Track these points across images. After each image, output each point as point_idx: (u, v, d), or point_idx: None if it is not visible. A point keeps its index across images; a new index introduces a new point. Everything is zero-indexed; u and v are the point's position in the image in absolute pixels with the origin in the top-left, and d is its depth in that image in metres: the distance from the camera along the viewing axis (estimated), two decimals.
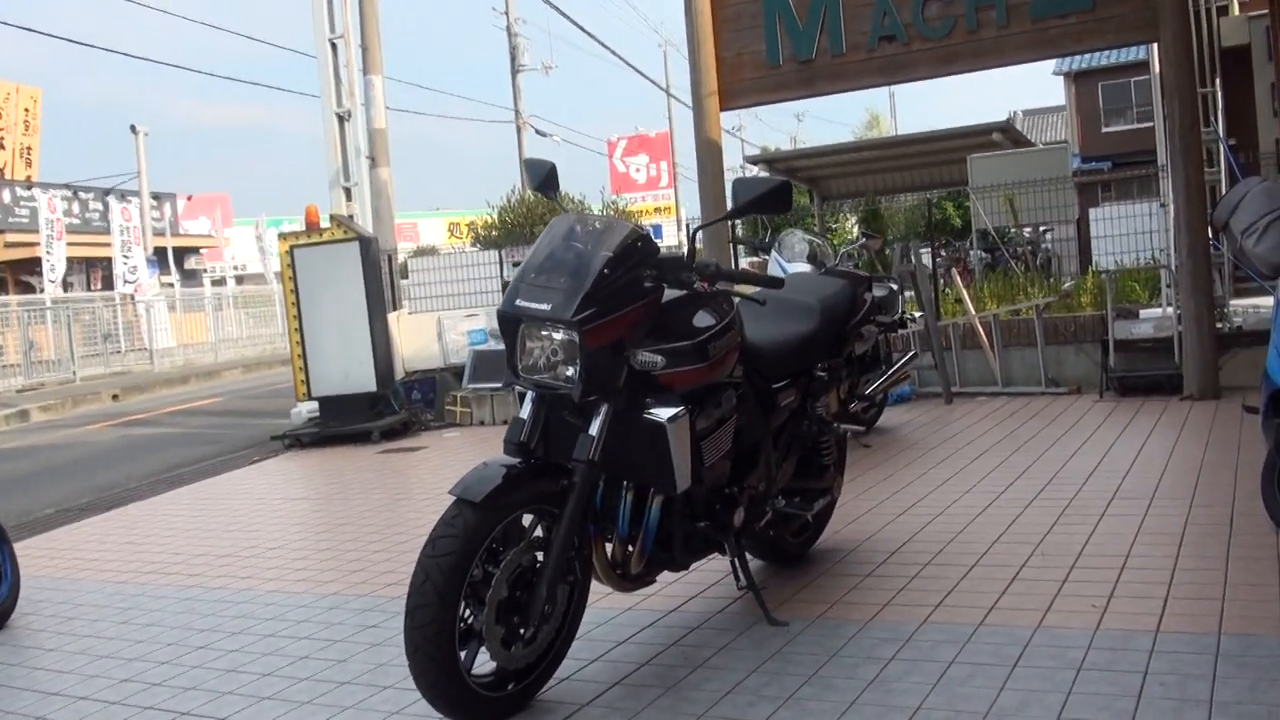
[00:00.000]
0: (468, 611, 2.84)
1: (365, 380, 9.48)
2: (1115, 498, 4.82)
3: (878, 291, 6.37)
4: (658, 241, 3.17)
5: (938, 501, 5.12)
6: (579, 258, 2.94)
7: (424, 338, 10.37)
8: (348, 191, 11.43)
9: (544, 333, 2.93)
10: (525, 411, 3.06)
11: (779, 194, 3.08)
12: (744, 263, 15.34)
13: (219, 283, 34.52)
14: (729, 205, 3.22)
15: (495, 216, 16.03)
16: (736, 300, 3.44)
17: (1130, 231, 9.36)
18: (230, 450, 9.98)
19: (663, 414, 3.01)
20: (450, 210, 42.27)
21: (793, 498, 3.96)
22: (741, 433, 3.47)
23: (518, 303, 2.93)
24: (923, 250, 11.66)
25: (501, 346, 3.02)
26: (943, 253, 17.31)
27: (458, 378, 10.00)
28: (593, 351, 2.87)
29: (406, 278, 12.01)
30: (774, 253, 7.31)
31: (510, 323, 2.97)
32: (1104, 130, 30.08)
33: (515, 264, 11.33)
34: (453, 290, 11.14)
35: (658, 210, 35.28)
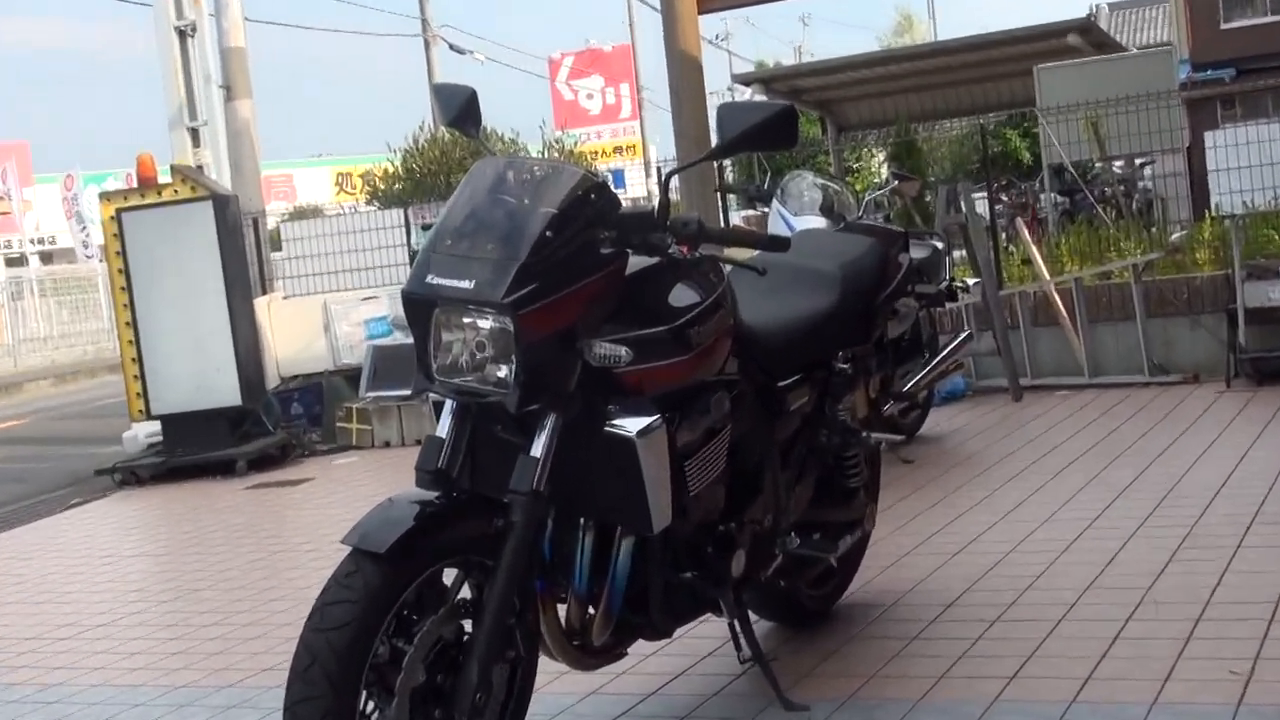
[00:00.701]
0: (370, 704, 2.85)
1: (225, 391, 9.53)
2: (1254, 523, 4.87)
3: (916, 252, 6.43)
4: (618, 192, 3.27)
5: (1006, 534, 5.18)
6: (511, 217, 3.00)
7: (305, 331, 10.41)
8: (194, 134, 11.40)
9: (466, 320, 2.98)
10: (444, 428, 3.11)
11: (780, 123, 3.14)
12: (736, 218, 15.33)
13: (16, 262, 34.27)
14: (713, 141, 3.32)
15: (398, 163, 15.70)
16: (727, 269, 3.52)
17: (1263, 162, 9.13)
18: (39, 491, 10.02)
19: (631, 425, 3.07)
20: (338, 157, 42.15)
21: (810, 534, 4.02)
22: (739, 448, 3.54)
23: (430, 280, 2.98)
24: (976, 195, 11.70)
25: (410, 340, 3.10)
26: (1004, 197, 17.46)
27: (352, 383, 10.04)
28: (533, 343, 2.93)
29: (280, 249, 12.00)
30: (776, 203, 7.40)
31: (421, 308, 3.03)
32: (1223, 27, 29.94)
33: (426, 227, 11.20)
34: (343, 265, 11.07)
35: (618, 150, 35.41)
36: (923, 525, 5.47)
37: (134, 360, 9.72)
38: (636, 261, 3.20)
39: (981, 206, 11.99)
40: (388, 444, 9.62)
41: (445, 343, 3.03)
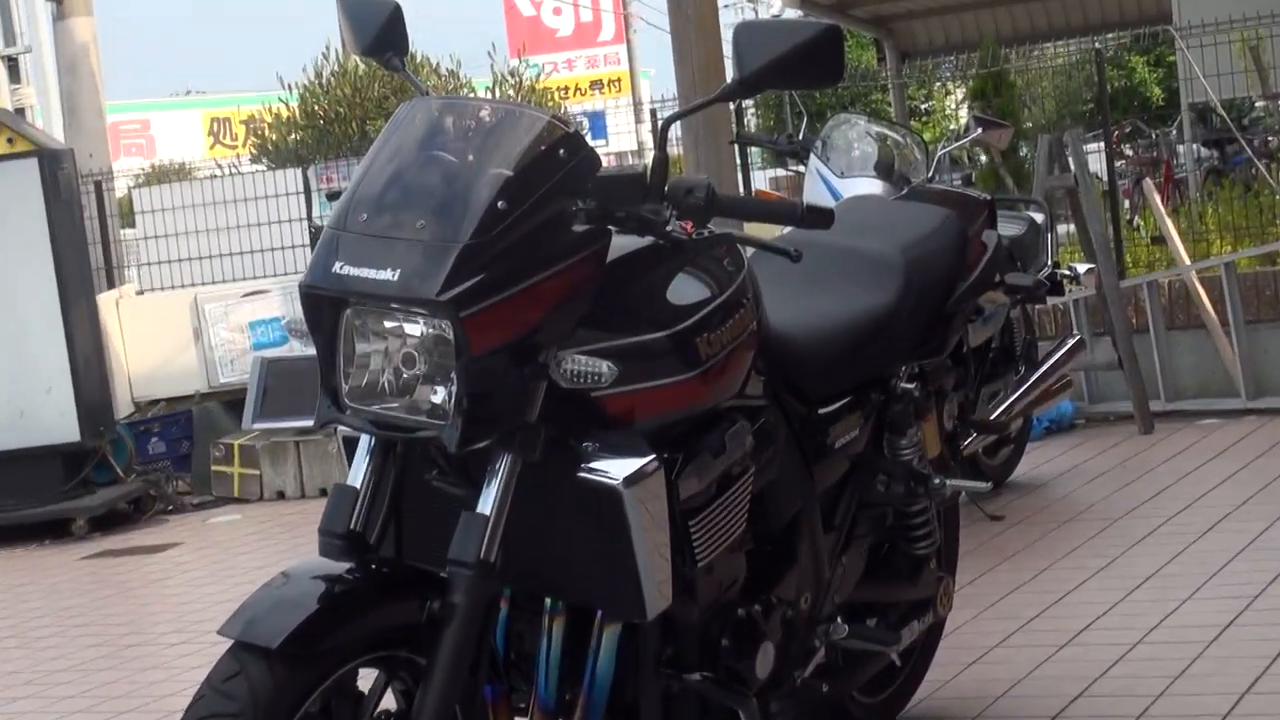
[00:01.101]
0: None
1: (57, 422, 9.41)
2: None
3: (1008, 229, 6.44)
4: (598, 146, 3.36)
5: (1132, 619, 5.15)
6: (450, 181, 3.07)
7: (168, 338, 10.41)
8: (12, 65, 11.43)
9: (389, 324, 3.04)
10: (358, 474, 3.16)
11: (820, 49, 3.19)
12: (760, 180, 15.49)
13: None
14: (729, 74, 3.31)
15: (294, 106, 15.94)
16: (748, 254, 3.57)
17: None
18: None
19: (616, 470, 3.11)
20: (212, 96, 41.71)
21: (863, 620, 4.06)
22: (765, 501, 3.59)
23: (339, 269, 3.03)
24: (1090, 148, 11.75)
25: (312, 351, 3.19)
26: (1128, 150, 17.48)
27: (233, 411, 10.04)
28: (481, 357, 2.97)
29: (133, 225, 12.22)
30: (815, 161, 7.42)
31: (326, 308, 3.08)
32: None
33: (333, 195, 11.22)
34: (221, 247, 11.12)
35: (597, 86, 35.18)
36: (1017, 606, 5.45)
37: None
38: (622, 243, 3.24)
39: (1097, 163, 12.09)
40: (282, 495, 9.59)
41: (360, 356, 3.07)
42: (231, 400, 10.15)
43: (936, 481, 4.10)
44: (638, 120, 21.33)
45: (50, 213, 9.38)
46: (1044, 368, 6.82)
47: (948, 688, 4.66)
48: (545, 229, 3.05)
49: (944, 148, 8.30)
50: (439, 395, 3.00)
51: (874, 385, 4.03)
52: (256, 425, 9.67)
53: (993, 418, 6.29)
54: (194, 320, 10.40)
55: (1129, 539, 6.20)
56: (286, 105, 16.07)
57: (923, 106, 26.94)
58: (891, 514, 4.13)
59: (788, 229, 3.70)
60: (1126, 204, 15.02)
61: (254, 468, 9.69)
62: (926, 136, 11.34)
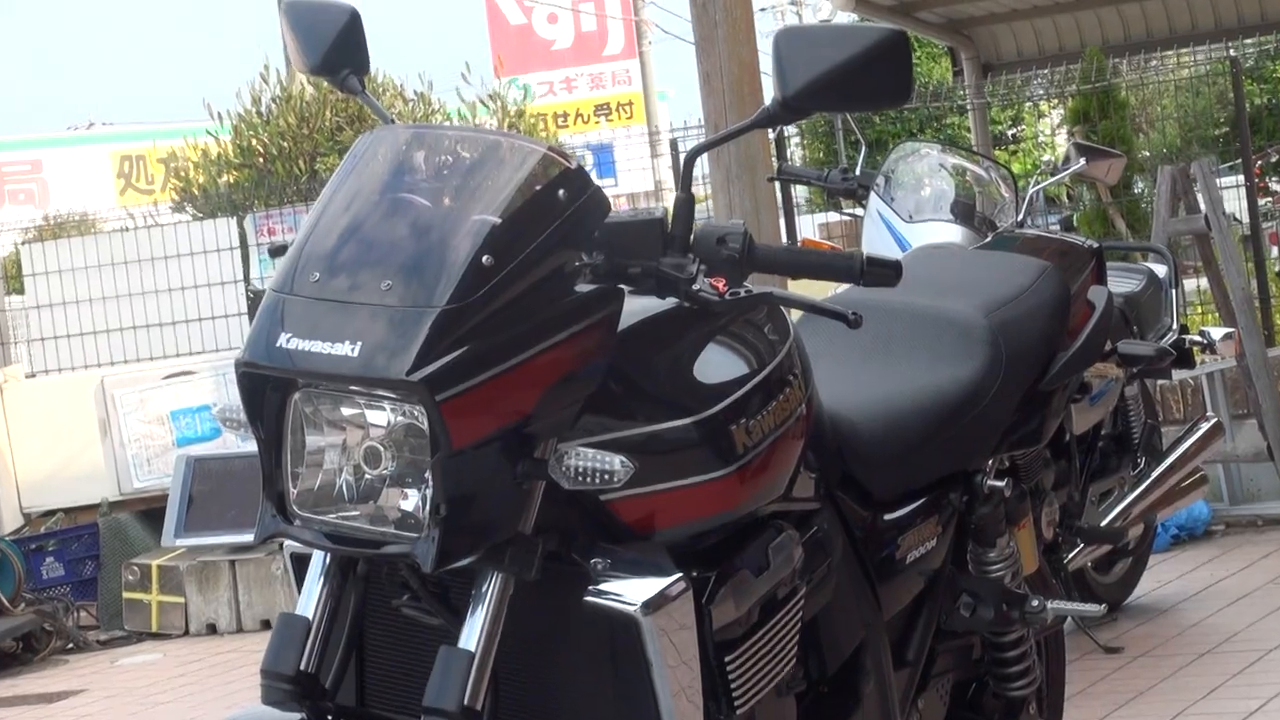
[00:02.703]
0: None
1: None
2: None
3: (1121, 284, 6.51)
4: (605, 186, 3.36)
5: None
6: (424, 231, 3.10)
7: (69, 432, 10.50)
8: None
9: (348, 411, 3.07)
10: (310, 601, 3.20)
11: (882, 62, 3.23)
12: (807, 227, 15.70)
13: None
14: (767, 96, 3.45)
15: (226, 140, 15.89)
16: (794, 318, 3.62)
17: None
18: None
19: (632, 593, 3.14)
20: (123, 129, 41.66)
21: None
22: (820, 631, 3.62)
23: (285, 343, 3.04)
24: (1223, 182, 11.79)
25: (251, 445, 3.27)
26: (1274, 185, 17.45)
27: (151, 522, 10.08)
28: (464, 451, 2.99)
29: (21, 291, 12.46)
30: (876, 201, 7.47)
31: (270, 391, 3.11)
32: None
33: (277, 251, 10.64)
34: (134, 318, 11.25)
35: (603, 111, 35.05)
36: None
37: None
38: (638, 307, 3.27)
39: (1234, 201, 12.15)
40: (213, 629, 9.63)
41: (312, 452, 3.09)
42: (148, 510, 10.15)
43: (1035, 604, 4.10)
44: (654, 154, 21.02)
45: None
46: (1170, 460, 6.83)
47: None
48: (542, 290, 3.07)
49: (1038, 184, 8.32)
50: (411, 501, 3.03)
51: (954, 483, 4.07)
52: (180, 541, 9.70)
53: (1105, 524, 6.26)
54: (101, 410, 10.39)
55: None
56: (216, 139, 16.01)
57: (1009, 132, 26.97)
58: (979, 646, 4.16)
59: (843, 287, 3.77)
60: (1275, 251, 15.00)
61: (177, 595, 9.70)
62: (1015, 169, 11.24)
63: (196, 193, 16.08)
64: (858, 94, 3.27)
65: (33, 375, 11.22)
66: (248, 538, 9.04)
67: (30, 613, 9.67)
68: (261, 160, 15.25)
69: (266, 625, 9.03)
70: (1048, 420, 4.29)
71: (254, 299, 10.83)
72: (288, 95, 15.61)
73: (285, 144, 15.03)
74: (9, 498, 10.41)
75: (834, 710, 3.66)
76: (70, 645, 9.72)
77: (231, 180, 15.51)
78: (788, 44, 3.21)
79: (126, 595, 9.82)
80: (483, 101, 16.93)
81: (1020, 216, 7.38)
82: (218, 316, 11.05)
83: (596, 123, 33.76)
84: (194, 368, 10.55)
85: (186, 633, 9.68)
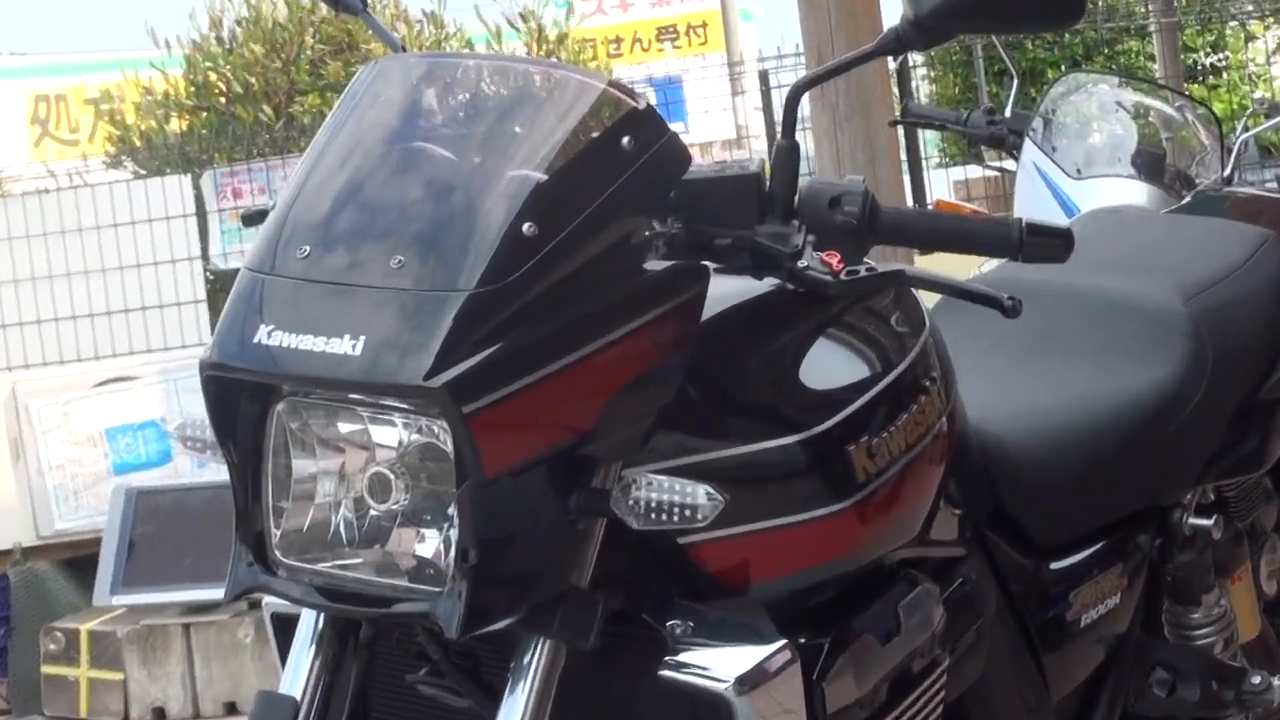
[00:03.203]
0: None
1: None
2: None
3: None
4: (678, 130, 3.25)
5: None
6: (446, 191, 2.89)
7: None
8: None
9: (347, 428, 2.86)
10: (298, 675, 3.00)
11: None
12: (941, 186, 14.75)
13: None
14: (886, 19, 2.99)
15: (176, 76, 15.12)
16: (928, 305, 3.39)
17: None
18: None
19: (722, 665, 2.91)
20: (39, 60, 39.97)
21: None
22: (970, 714, 3.47)
23: (265, 339, 2.80)
24: None
25: (213, 474, 3.05)
26: None
27: (79, 574, 9.59)
28: (501, 479, 2.75)
29: None
30: (1032, 150, 7.02)
31: (245, 400, 2.89)
32: None
33: (250, 219, 10.72)
34: (57, 307, 10.96)
35: (668, 35, 33.10)
36: None
37: None
38: (727, 291, 3.03)
39: None
40: (161, 714, 9.06)
41: (299, 480, 2.87)
42: (75, 559, 9.57)
43: (1256, 681, 3.95)
44: (736, 90, 19.27)
45: None
46: None
47: None
48: (601, 267, 2.83)
49: (1248, 129, 7.69)
50: (430, 545, 2.82)
51: (1144, 522, 3.87)
52: (118, 599, 9.08)
53: None
54: (12, 426, 9.70)
55: None
56: (163, 74, 15.21)
57: (1207, 61, 25.44)
58: None
59: (991, 263, 3.62)
60: None
61: (114, 670, 9.08)
62: (1217, 110, 10.58)
63: (137, 143, 15.19)
64: (1013, 11, 3.11)
65: None
66: (210, 594, 8.58)
67: None
68: (223, 100, 14.51)
69: (232, 710, 8.76)
70: (1270, 439, 4.08)
71: (215, 282, 10.52)
72: (256, 16, 14.72)
73: (253, 80, 14.30)
74: None
75: None
76: None
77: (184, 127, 14.76)
78: None
79: (46, 670, 9.15)
80: (511, 23, 16.14)
81: (1228, 171, 6.89)
82: (167, 305, 10.47)
83: (660, 50, 30.96)
84: (136, 372, 9.89)
85: (124, 713, 9.04)
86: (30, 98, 33.11)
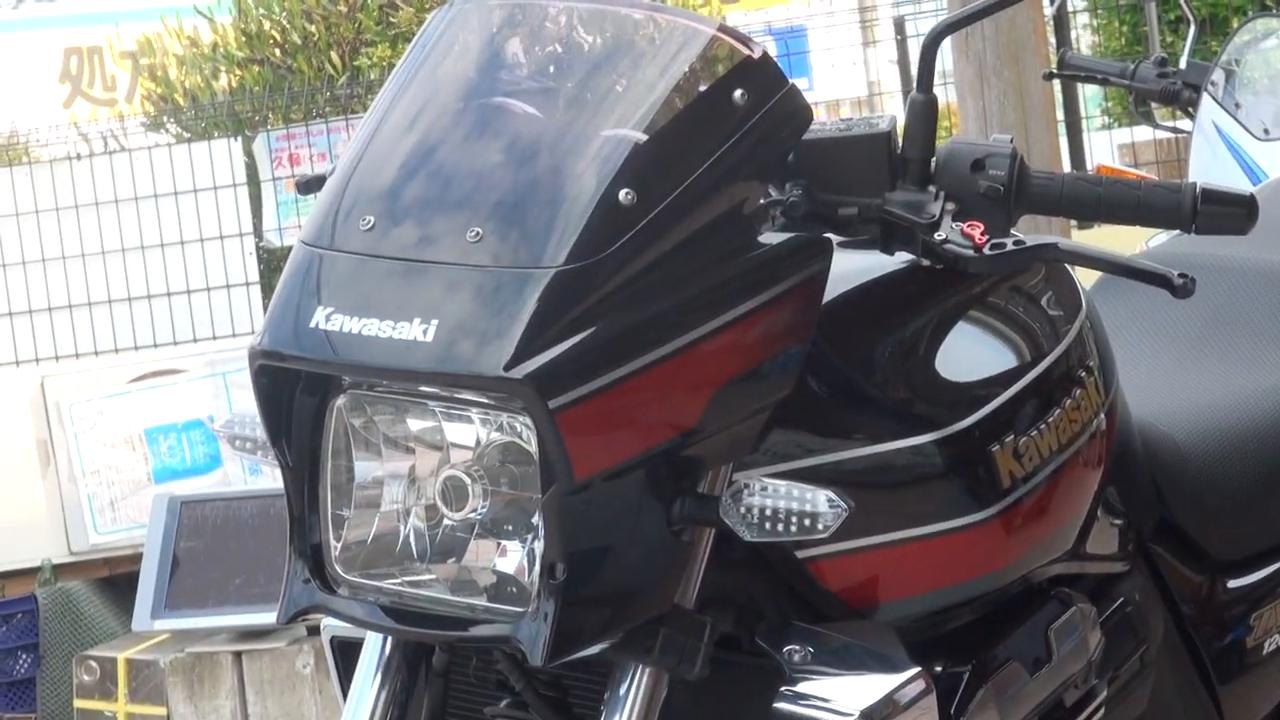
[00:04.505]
0: None
1: None
2: None
3: None
4: (800, 85, 2.97)
5: None
6: (530, 155, 2.63)
7: None
8: None
9: (418, 425, 2.67)
10: (361, 707, 2.84)
11: None
12: (1103, 149, 14.18)
13: None
14: None
15: (225, 26, 14.23)
16: (1085, 289, 3.13)
17: None
18: None
19: (846, 697, 2.72)
20: (67, 11, 38.46)
21: None
22: None
23: (324, 323, 2.57)
24: None
25: (267, 481, 3.22)
26: None
27: (116, 596, 9.22)
28: (592, 484, 2.55)
29: None
30: (1210, 107, 6.64)
31: (301, 394, 2.68)
32: None
33: (306, 186, 10.20)
34: (91, 291, 10.37)
35: None
36: None
37: None
38: (853, 268, 2.84)
39: None
40: None
41: (362, 485, 2.67)
42: (112, 577, 9.15)
43: None
44: (866, 40, 17.82)
45: None
46: None
47: None
48: (709, 241, 2.62)
49: None
50: (512, 560, 2.64)
51: None
52: (160, 624, 8.52)
53: None
54: (40, 427, 9.20)
55: None
56: (211, 22, 14.30)
57: None
58: None
59: (1160, 235, 3.44)
60: None
61: (156, 704, 8.62)
62: None
63: (181, 101, 14.20)
64: None
65: None
66: (264, 617, 7.93)
67: None
68: (279, 53, 13.49)
69: None
70: None
71: (269, 260, 9.73)
72: None
73: (312, 29, 13.27)
74: None
75: None
76: None
77: (234, 83, 13.75)
78: None
79: (79, 704, 8.66)
80: None
81: None
82: (215, 288, 9.70)
83: None
84: (180, 364, 9.38)
85: None
86: (61, 51, 30.71)
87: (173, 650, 8.17)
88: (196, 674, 8.15)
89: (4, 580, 8.73)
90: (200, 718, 8.07)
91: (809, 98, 2.81)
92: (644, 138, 2.57)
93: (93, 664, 8.24)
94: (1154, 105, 7.33)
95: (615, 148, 2.58)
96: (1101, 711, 3.02)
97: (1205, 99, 6.52)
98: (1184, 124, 7.05)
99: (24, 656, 8.53)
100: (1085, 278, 3.19)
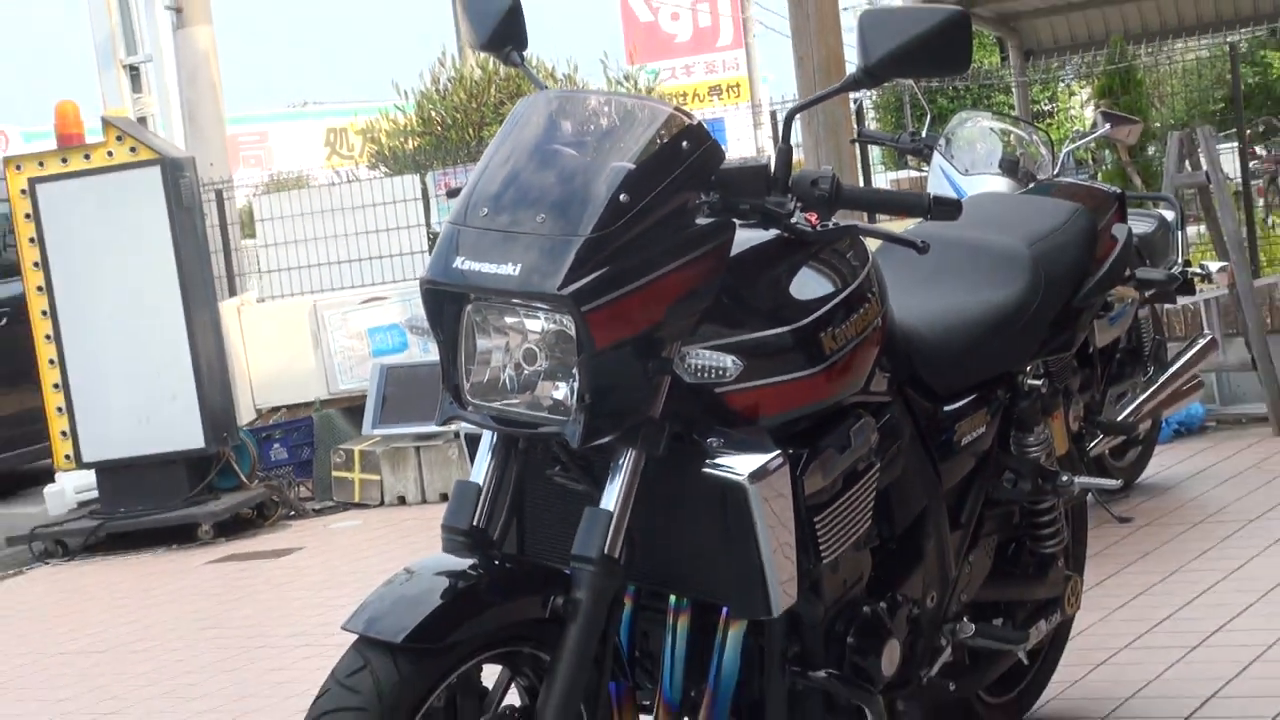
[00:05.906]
0: None
1: (182, 430, 9.41)
2: None
3: (1137, 226, 6.39)
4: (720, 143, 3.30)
5: (1269, 619, 5.14)
6: (570, 176, 3.07)
7: (289, 345, 10.55)
8: (134, 73, 11.60)
9: (509, 320, 3.06)
10: (480, 471, 3.20)
11: (946, 38, 3.18)
12: (881, 184, 15.24)
13: None
14: (849, 67, 3.36)
15: (411, 113, 16.04)
16: (873, 247, 3.59)
17: None
18: None
19: (740, 465, 3.12)
20: (329, 107, 41.57)
21: (990, 619, 4.05)
22: (890, 499, 3.60)
23: (459, 265, 3.05)
24: (1222, 145, 11.55)
25: (431, 354, 3.16)
26: (1260, 150, 17.15)
27: (353, 417, 10.13)
28: (604, 352, 2.98)
29: (253, 234, 12.38)
30: (939, 158, 7.41)
31: (447, 303, 3.12)
32: None
33: (452, 194, 10.63)
34: (339, 254, 11.32)
35: (716, 92, 34.61)
36: (1147, 608, 5.42)
37: (56, 388, 9.55)
38: (745, 237, 3.24)
39: (1230, 161, 11.94)
40: (402, 500, 9.63)
41: (481, 352, 3.10)
42: (351, 407, 10.23)
43: (1064, 479, 4.08)
44: (756, 124, 20.93)
45: (173, 221, 9.31)
46: (1174, 368, 6.78)
47: (1076, 688, 4.65)
48: (668, 222, 3.04)
49: (1069, 145, 8.20)
50: (561, 391, 3.02)
51: (1000, 382, 4.01)
52: (377, 431, 9.70)
53: (1120, 418, 6.22)
54: (313, 327, 10.49)
55: (1263, 541, 6.14)
56: (404, 113, 16.21)
57: (1046, 107, 26.73)
58: (1018, 512, 4.12)
59: (913, 222, 3.70)
60: (1261, 202, 14.78)
61: (375, 473, 9.75)
62: (1051, 135, 11.23)
63: (388, 155, 16.23)
64: (928, 63, 3.23)
65: (262, 300, 11.31)
66: (429, 428, 9.16)
67: (262, 487, 9.78)
68: (439, 129, 15.43)
69: (444, 498, 8.95)
70: (1077, 332, 4.25)
71: (433, 239, 10.84)
72: (460, 76, 15.68)
73: (458, 116, 15.20)
74: (245, 397, 10.49)
75: (901, 563, 3.65)
76: (292, 513, 9.81)
77: (415, 145, 15.63)
78: (870, 23, 3.19)
79: (335, 474, 9.90)
80: (619, 83, 17.07)
81: (1055, 171, 7.34)
82: (404, 254, 11.11)
83: (710, 101, 33.39)
84: (386, 294, 10.60)
85: (381, 503, 9.70)
86: (325, 129, 38.92)
87: (384, 445, 9.65)
88: (396, 457, 9.56)
89: (296, 408, 10.19)
90: (398, 481, 9.43)
91: (728, 152, 3.10)
92: (633, 167, 3.00)
93: (342, 452, 9.71)
94: (909, 158, 8.45)
95: (618, 171, 2.99)
96: (876, 475, 3.43)
97: (936, 154, 7.26)
98: (924, 170, 7.68)
99: (306, 449, 9.98)
100: (872, 244, 3.58)
